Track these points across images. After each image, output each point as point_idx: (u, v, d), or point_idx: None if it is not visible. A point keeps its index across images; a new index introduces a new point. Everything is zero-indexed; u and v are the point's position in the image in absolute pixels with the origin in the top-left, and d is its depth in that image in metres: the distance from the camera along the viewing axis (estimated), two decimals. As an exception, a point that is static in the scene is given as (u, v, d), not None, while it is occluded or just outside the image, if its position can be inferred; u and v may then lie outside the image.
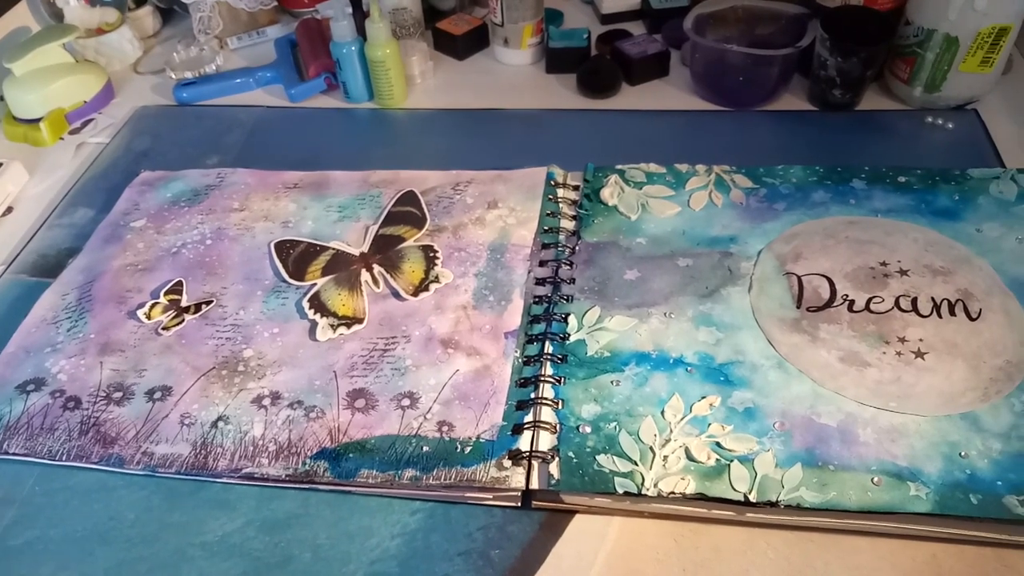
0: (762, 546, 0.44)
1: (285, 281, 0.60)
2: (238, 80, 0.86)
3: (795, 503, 0.43)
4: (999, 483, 0.42)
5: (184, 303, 0.59)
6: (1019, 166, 0.63)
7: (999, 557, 0.42)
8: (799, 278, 0.55)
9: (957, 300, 0.52)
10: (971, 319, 0.51)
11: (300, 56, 0.87)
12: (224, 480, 0.48)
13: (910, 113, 0.74)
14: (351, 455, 0.48)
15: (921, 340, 0.50)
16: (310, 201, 0.67)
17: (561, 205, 0.64)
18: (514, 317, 0.55)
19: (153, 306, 0.58)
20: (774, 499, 0.43)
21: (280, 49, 0.90)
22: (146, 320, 0.58)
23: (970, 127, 0.72)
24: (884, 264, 0.55)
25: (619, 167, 0.65)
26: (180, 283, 0.60)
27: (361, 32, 0.78)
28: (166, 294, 0.59)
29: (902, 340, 0.50)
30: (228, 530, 0.46)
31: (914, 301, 0.52)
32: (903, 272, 0.54)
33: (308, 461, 0.48)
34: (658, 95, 0.80)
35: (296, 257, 0.61)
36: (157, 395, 0.53)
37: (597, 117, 0.78)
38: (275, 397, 0.52)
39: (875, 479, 0.43)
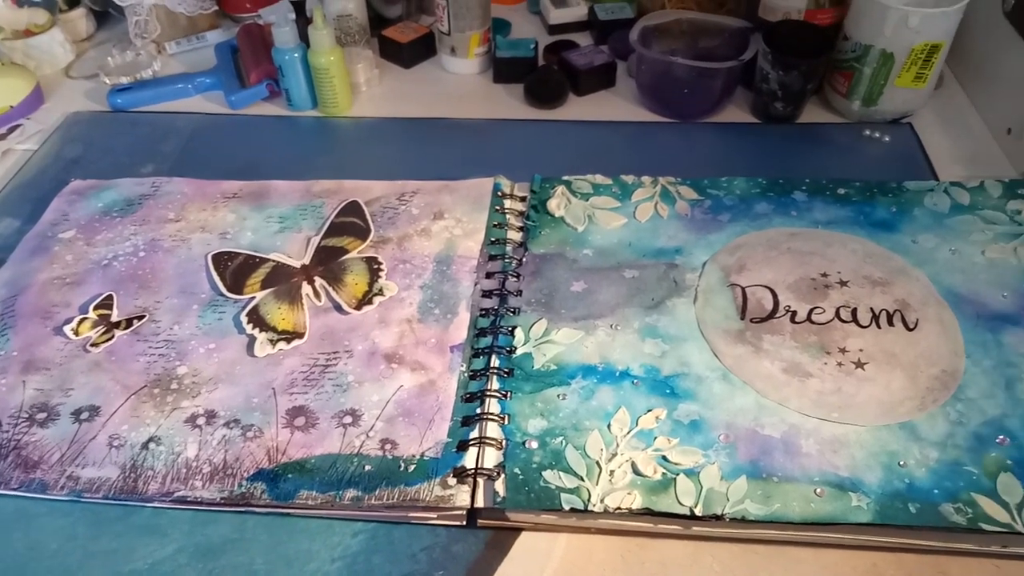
0: (707, 559, 0.44)
1: (222, 295, 0.58)
2: (176, 86, 0.83)
3: (740, 516, 0.43)
4: (936, 491, 0.43)
5: (114, 318, 0.56)
6: (951, 179, 0.65)
7: (936, 564, 0.43)
8: (743, 289, 0.55)
9: (895, 311, 0.53)
10: (908, 329, 0.52)
11: (241, 62, 0.85)
12: (155, 505, 0.46)
13: (849, 126, 0.76)
14: (290, 475, 0.46)
15: (861, 350, 0.51)
16: (250, 211, 0.65)
17: (508, 216, 0.63)
18: (460, 330, 0.54)
19: (81, 321, 0.56)
20: (719, 512, 0.43)
21: (220, 55, 0.87)
22: (73, 336, 0.55)
23: (905, 140, 0.74)
24: (825, 275, 0.56)
25: (565, 178, 0.65)
26: (110, 297, 0.58)
27: (304, 38, 0.76)
28: (95, 309, 0.57)
29: (843, 351, 0.51)
30: (159, 557, 0.44)
31: (854, 312, 0.53)
32: (843, 283, 0.55)
33: (244, 483, 0.46)
34: (605, 106, 0.80)
35: (234, 269, 0.59)
36: (84, 415, 0.50)
37: (544, 127, 0.77)
38: (210, 416, 0.50)
39: (818, 490, 0.43)
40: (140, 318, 0.56)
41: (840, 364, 0.50)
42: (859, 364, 0.50)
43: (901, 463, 0.45)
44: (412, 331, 0.55)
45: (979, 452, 0.45)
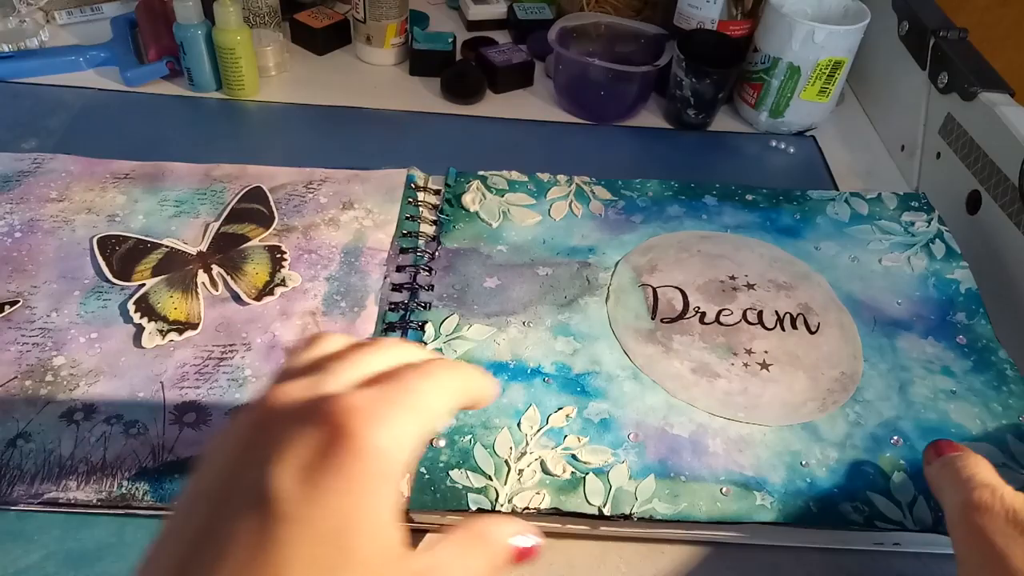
0: (615, 560, 0.43)
1: (108, 281, 0.53)
2: (66, 58, 0.77)
3: (648, 515, 0.42)
4: (836, 490, 0.44)
5: (-18, 303, 0.51)
6: (851, 189, 0.67)
7: (835, 562, 0.44)
8: (654, 289, 0.56)
9: (798, 314, 0.54)
10: (811, 332, 0.53)
11: (140, 37, 0.80)
12: (21, 507, 0.42)
13: (756, 136, 0.78)
14: (177, 475, 0.43)
15: (766, 352, 0.52)
16: (142, 194, 0.61)
17: (421, 209, 0.61)
18: (367, 325, 0.52)
19: (-58, 306, 0.50)
20: (628, 511, 0.42)
21: (117, 28, 0.82)
22: (-68, 322, 0.50)
23: (809, 152, 0.77)
24: (733, 278, 0.57)
25: (481, 173, 0.64)
26: (-22, 280, 0.53)
27: (209, 15, 0.72)
28: (-40, 293, 0.52)
29: (749, 352, 0.52)
30: (23, 566, 0.40)
31: (760, 314, 0.54)
32: (750, 286, 0.56)
33: (125, 483, 0.43)
34: (521, 104, 0.80)
35: (122, 254, 0.55)
36: (-59, 409, 0.45)
37: (460, 122, 0.76)
38: (89, 411, 0.46)
39: (724, 489, 0.44)
40: (13, 303, 0.51)
41: (746, 365, 0.51)
42: (764, 365, 0.51)
43: (803, 463, 0.45)
44: (316, 324, 0.52)
45: (875, 452, 0.46)
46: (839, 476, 0.45)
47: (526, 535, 0.28)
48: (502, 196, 0.62)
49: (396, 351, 0.29)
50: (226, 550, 0.22)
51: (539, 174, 0.65)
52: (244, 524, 0.22)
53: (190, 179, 0.62)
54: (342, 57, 0.84)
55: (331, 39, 0.84)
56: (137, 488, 0.42)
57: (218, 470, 0.24)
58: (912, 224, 0.62)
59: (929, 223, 0.62)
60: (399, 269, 0.56)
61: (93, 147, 0.66)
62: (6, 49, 0.77)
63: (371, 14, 0.79)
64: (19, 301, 0.52)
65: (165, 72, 0.76)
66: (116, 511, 0.42)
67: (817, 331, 0.54)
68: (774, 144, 0.77)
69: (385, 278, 0.56)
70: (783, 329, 0.53)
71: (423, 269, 0.56)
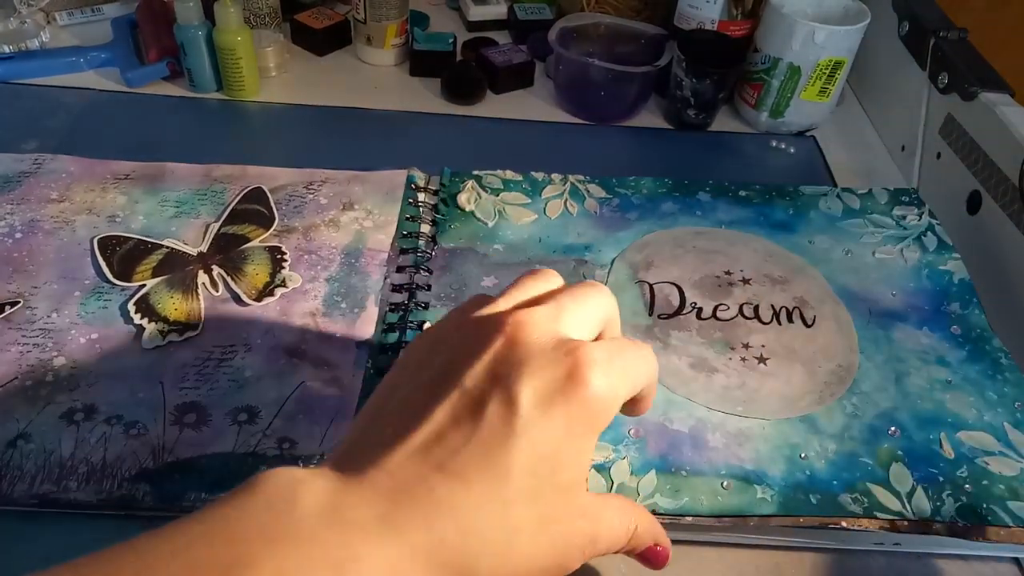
0: (615, 560, 0.43)
1: (109, 281, 0.53)
2: (67, 59, 0.78)
3: (651, 510, 0.42)
4: (835, 482, 0.44)
5: (-17, 304, 0.51)
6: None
7: (836, 563, 0.44)
8: (651, 286, 0.56)
9: (794, 308, 0.55)
10: (807, 326, 0.54)
11: (141, 38, 0.80)
12: (21, 508, 0.42)
13: (757, 136, 0.78)
14: (177, 476, 0.43)
15: (763, 346, 0.52)
16: (143, 194, 0.61)
17: (421, 209, 0.61)
18: (367, 326, 0.52)
19: (-57, 307, 0.51)
20: None
21: (118, 29, 0.82)
22: (-67, 323, 0.50)
23: (809, 152, 0.77)
24: (728, 273, 0.57)
25: (476, 172, 0.64)
26: (-21, 281, 0.53)
27: (210, 16, 0.72)
28: (-39, 293, 0.52)
29: (746, 346, 0.52)
30: (23, 567, 0.40)
31: (756, 308, 0.55)
32: (746, 281, 0.57)
33: (126, 484, 0.43)
34: (522, 105, 0.80)
35: (123, 255, 0.55)
36: (-58, 410, 0.45)
37: (460, 123, 0.76)
38: (89, 411, 0.46)
39: (724, 483, 0.44)
40: (13, 304, 0.52)
41: (744, 359, 0.51)
42: (761, 359, 0.51)
43: (802, 455, 0.46)
44: (316, 325, 0.52)
45: (873, 444, 0.47)
46: (838, 468, 0.45)
47: (666, 544, 0.36)
48: (497, 195, 0.62)
49: (601, 305, 0.34)
50: (477, 420, 0.28)
51: (533, 173, 0.65)
52: (494, 408, 0.28)
53: (190, 180, 0.62)
54: (342, 58, 0.84)
55: (331, 40, 0.84)
56: (137, 489, 0.42)
57: (464, 356, 0.30)
58: (904, 218, 0.63)
59: (920, 216, 0.63)
60: (399, 270, 0.56)
61: (94, 148, 0.66)
62: (7, 50, 0.77)
63: (371, 15, 0.79)
64: (19, 302, 0.52)
65: (166, 73, 0.77)
66: (117, 512, 0.42)
67: (813, 324, 0.54)
68: (774, 144, 0.77)
69: (385, 279, 0.56)
70: (779, 323, 0.54)
71: (421, 269, 0.56)
